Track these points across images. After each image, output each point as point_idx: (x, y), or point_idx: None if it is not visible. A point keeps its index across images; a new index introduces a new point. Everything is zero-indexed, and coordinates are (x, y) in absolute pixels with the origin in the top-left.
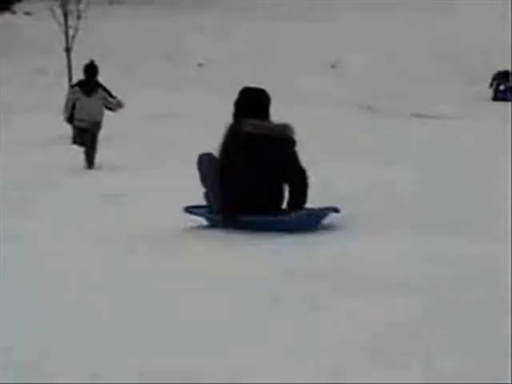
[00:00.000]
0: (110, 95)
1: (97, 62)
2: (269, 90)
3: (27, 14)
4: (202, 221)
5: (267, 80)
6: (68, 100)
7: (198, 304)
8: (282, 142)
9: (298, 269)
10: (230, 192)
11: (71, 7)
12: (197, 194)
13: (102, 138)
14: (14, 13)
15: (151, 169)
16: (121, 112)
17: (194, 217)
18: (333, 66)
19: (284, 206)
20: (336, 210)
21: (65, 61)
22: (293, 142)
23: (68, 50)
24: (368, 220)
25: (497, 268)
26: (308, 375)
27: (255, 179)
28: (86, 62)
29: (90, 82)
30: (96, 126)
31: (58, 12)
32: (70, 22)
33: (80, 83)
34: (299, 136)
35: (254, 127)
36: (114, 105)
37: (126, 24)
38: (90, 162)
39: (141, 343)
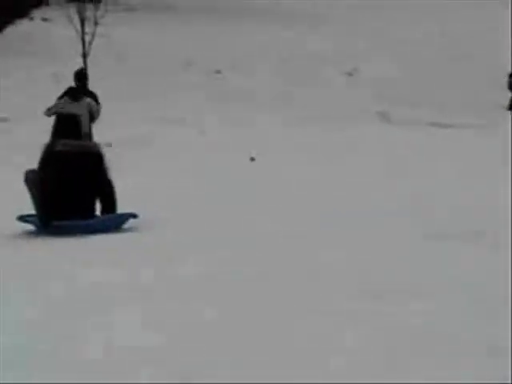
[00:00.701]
0: (96, 101)
1: (113, 68)
2: (285, 97)
3: (44, 20)
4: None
5: (284, 86)
6: (54, 105)
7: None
8: (90, 157)
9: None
10: (48, 202)
11: (88, 13)
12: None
13: (116, 140)
14: (31, 19)
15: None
16: (137, 116)
17: (25, 224)
18: (350, 74)
19: (98, 213)
20: (134, 216)
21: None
22: (100, 158)
23: (85, 56)
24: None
25: (497, 269)
26: (315, 377)
27: (68, 191)
28: (100, 68)
29: (76, 90)
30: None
31: (76, 18)
32: (87, 29)
33: (67, 91)
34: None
35: (64, 146)
36: (95, 112)
37: (142, 30)
38: None
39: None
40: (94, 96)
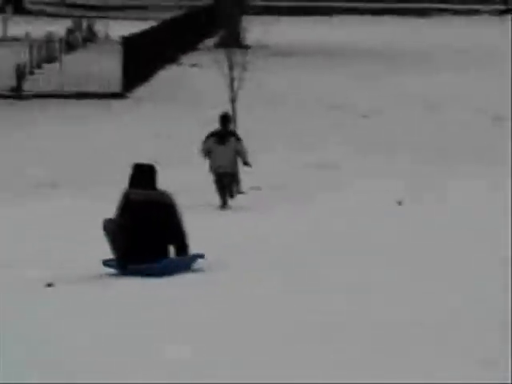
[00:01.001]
0: (238, 140)
1: (262, 113)
2: (430, 147)
3: (193, 65)
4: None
5: (430, 132)
6: (202, 150)
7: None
8: (161, 206)
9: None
10: (124, 247)
11: (237, 58)
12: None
13: (265, 184)
14: (180, 64)
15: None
16: (286, 160)
17: (108, 268)
18: (496, 119)
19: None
20: (201, 256)
21: (230, 112)
22: (171, 206)
23: (233, 101)
24: None
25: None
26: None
27: (142, 237)
28: (253, 110)
29: (223, 132)
30: (230, 173)
31: (224, 63)
32: (236, 73)
33: (214, 133)
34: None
35: (137, 195)
36: (244, 156)
37: (290, 74)
38: (223, 202)
39: None
40: (236, 136)
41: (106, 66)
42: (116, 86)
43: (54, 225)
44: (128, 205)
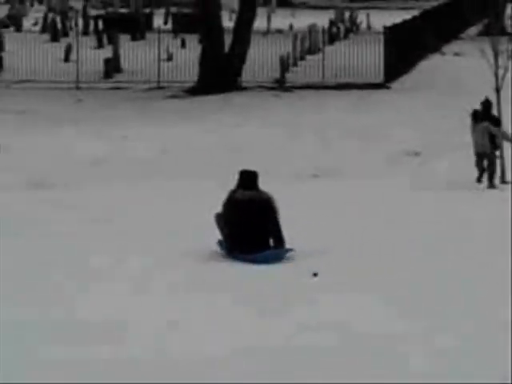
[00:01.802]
0: (497, 124)
1: None
2: None
3: (456, 54)
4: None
5: None
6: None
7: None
8: (260, 202)
9: None
10: (230, 238)
11: (502, 47)
12: None
13: None
14: (442, 54)
15: None
16: None
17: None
18: None
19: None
20: (292, 250)
21: (494, 101)
22: (267, 203)
23: (498, 90)
24: None
25: None
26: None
27: (245, 229)
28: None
29: (480, 113)
30: (485, 153)
31: (488, 52)
32: (500, 62)
33: (473, 114)
34: None
35: (240, 195)
36: (498, 132)
37: None
38: (489, 183)
39: None
40: (496, 120)
41: (368, 57)
42: (378, 76)
43: None
44: (232, 203)
